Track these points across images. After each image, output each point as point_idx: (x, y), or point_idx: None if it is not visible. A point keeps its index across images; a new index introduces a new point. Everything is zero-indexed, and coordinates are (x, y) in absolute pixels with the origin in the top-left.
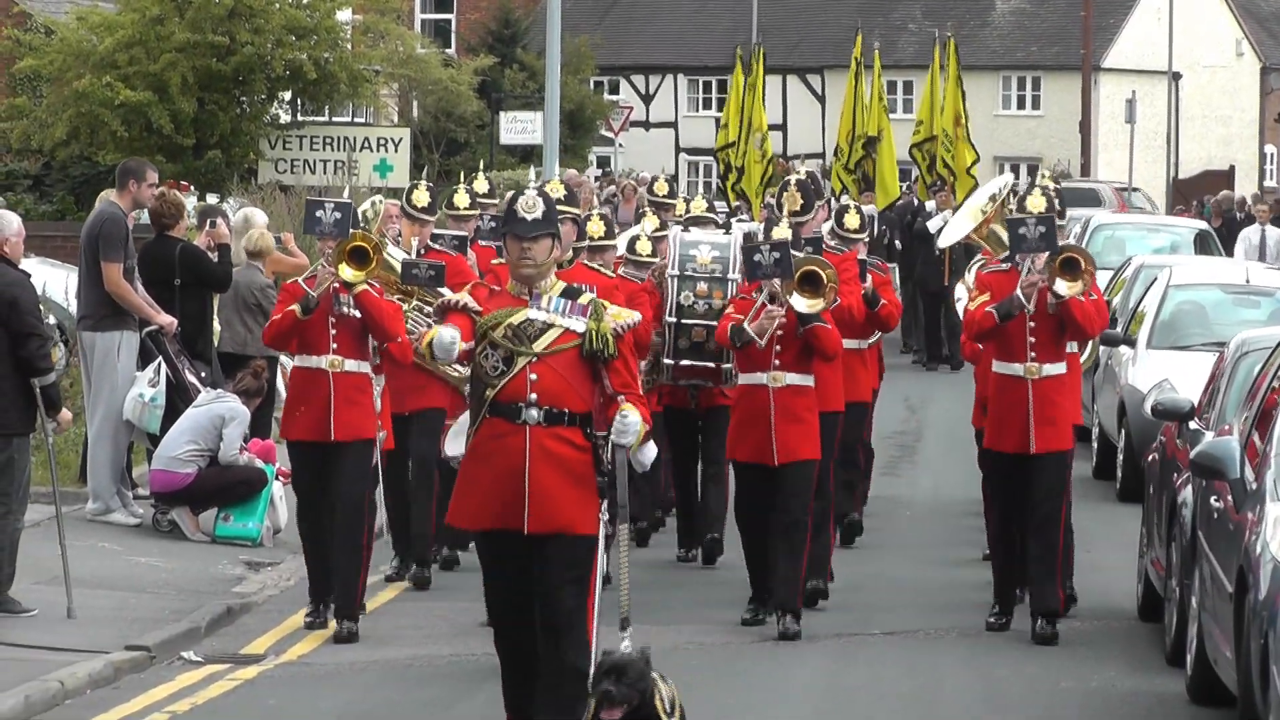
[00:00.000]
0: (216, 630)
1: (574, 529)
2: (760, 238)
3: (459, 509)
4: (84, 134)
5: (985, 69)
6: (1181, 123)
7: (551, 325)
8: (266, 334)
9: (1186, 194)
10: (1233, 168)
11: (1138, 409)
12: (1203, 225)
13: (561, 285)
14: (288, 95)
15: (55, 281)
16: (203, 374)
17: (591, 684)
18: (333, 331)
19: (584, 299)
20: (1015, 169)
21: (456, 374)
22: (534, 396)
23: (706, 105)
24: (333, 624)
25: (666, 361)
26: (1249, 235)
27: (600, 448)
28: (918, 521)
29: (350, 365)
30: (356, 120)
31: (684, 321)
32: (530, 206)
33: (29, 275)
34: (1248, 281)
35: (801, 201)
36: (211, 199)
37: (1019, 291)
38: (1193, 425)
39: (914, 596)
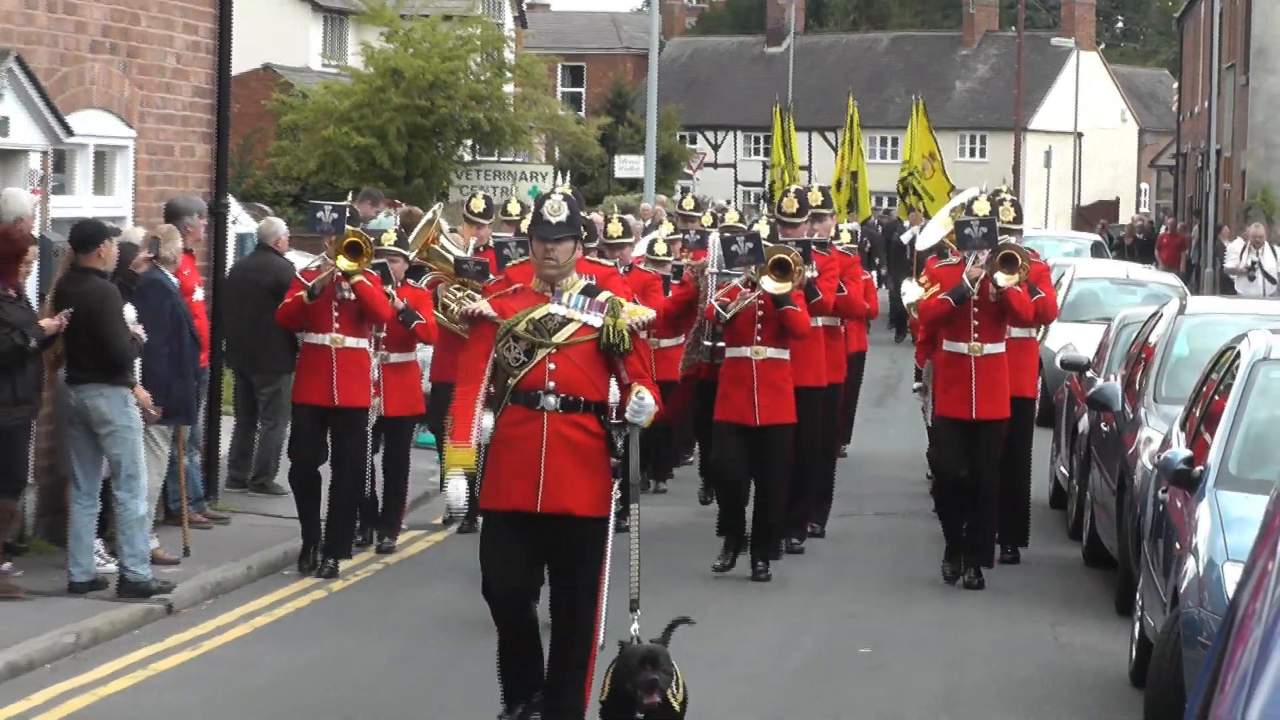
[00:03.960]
0: (417, 506)
1: (585, 510)
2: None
3: (485, 493)
4: (328, 167)
5: (948, 129)
6: (1083, 167)
7: (570, 320)
8: (279, 315)
9: (1087, 217)
10: (1118, 199)
11: (1051, 362)
12: (1097, 238)
13: (582, 283)
14: (469, 142)
15: None
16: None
17: (626, 674)
18: (335, 314)
19: (602, 296)
20: None
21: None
22: (552, 385)
23: (757, 153)
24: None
25: (706, 344)
26: (1234, 249)
27: (614, 435)
28: (898, 438)
29: (350, 342)
30: (516, 160)
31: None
32: (555, 210)
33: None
34: (1128, 277)
35: (797, 206)
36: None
37: (965, 279)
38: (1089, 374)
39: (897, 487)
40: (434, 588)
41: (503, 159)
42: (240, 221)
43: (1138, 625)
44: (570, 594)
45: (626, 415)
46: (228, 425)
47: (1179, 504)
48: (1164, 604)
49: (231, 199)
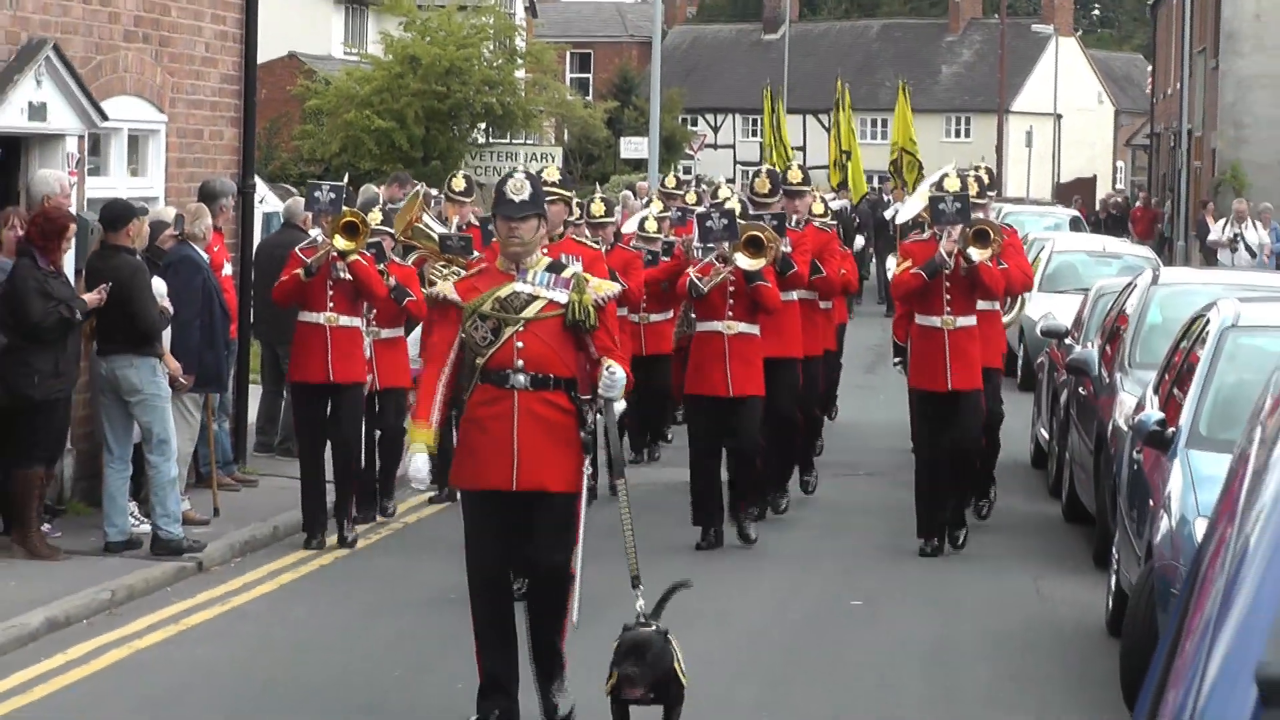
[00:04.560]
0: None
1: (559, 487)
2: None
3: (457, 472)
4: (349, 149)
5: (935, 111)
6: (1062, 146)
7: (536, 297)
8: (275, 293)
9: (1066, 193)
10: (1095, 176)
11: (1032, 330)
12: (1075, 213)
13: (547, 261)
14: (483, 125)
15: None
16: None
17: (613, 662)
18: (330, 293)
19: (566, 273)
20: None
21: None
22: (520, 363)
23: (754, 134)
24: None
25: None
26: (1217, 225)
27: (584, 410)
28: (887, 403)
29: (344, 320)
30: (528, 142)
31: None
32: (518, 189)
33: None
34: (1104, 250)
35: (769, 186)
36: (432, 192)
37: (941, 252)
38: (1068, 342)
39: (885, 453)
40: (447, 548)
41: (514, 141)
42: (267, 201)
43: (1114, 578)
44: (548, 565)
45: (599, 391)
46: (255, 393)
47: (1152, 463)
48: (1139, 558)
49: (258, 180)
